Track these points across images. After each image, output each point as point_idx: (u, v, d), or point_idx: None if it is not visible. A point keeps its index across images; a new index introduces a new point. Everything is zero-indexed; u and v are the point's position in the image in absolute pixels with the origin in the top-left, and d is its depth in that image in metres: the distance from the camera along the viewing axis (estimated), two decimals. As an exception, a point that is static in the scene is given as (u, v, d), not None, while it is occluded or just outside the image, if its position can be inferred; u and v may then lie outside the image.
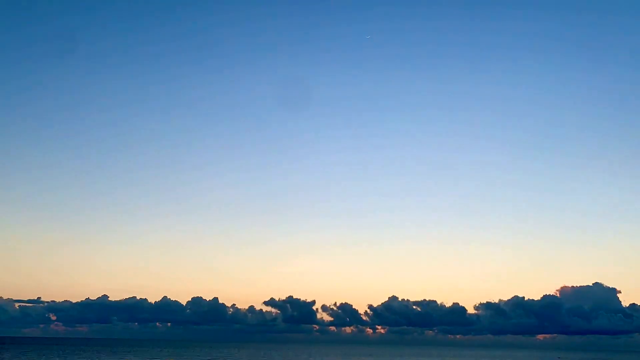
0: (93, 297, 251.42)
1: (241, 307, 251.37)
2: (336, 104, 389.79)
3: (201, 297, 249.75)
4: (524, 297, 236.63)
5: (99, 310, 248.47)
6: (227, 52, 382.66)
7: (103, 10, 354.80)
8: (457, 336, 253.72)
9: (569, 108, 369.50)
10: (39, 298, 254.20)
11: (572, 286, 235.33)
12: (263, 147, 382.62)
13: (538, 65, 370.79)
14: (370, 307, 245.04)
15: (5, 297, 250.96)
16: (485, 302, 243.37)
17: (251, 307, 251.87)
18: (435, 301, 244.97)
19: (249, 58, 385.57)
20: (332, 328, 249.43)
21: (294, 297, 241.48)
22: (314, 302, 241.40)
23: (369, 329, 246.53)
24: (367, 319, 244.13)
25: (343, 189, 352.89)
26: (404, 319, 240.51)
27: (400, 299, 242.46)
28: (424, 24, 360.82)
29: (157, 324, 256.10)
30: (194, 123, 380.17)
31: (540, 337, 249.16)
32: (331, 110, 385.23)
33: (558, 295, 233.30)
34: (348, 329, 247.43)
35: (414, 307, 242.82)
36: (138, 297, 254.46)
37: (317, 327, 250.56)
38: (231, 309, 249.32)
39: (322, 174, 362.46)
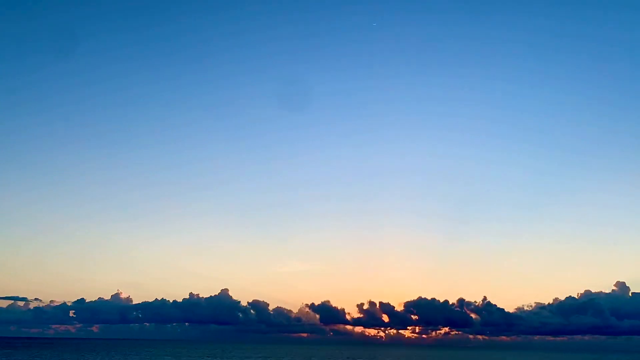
0: (108, 297, 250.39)
1: (264, 308, 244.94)
2: (337, 105, 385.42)
3: (222, 298, 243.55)
4: (566, 297, 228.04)
5: (118, 310, 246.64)
6: (227, 51, 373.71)
7: (103, 9, 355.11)
8: (499, 337, 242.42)
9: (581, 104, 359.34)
10: (52, 299, 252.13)
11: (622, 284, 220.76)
12: (274, 145, 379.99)
13: (538, 68, 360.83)
14: (396, 307, 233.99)
15: (22, 297, 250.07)
16: (523, 304, 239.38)
17: (275, 308, 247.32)
18: (469, 302, 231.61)
19: (248, 57, 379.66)
20: (350, 327, 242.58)
21: (314, 298, 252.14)
22: (337, 303, 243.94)
23: (392, 330, 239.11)
24: (394, 319, 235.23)
25: (350, 190, 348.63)
26: (442, 320, 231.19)
27: (432, 299, 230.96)
28: (424, 22, 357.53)
29: (177, 323, 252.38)
30: (205, 122, 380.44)
31: (579, 337, 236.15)
32: (334, 109, 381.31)
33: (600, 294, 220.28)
34: (373, 330, 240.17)
35: (450, 306, 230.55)
36: (159, 297, 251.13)
37: (342, 327, 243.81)
38: (253, 310, 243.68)
39: (327, 174, 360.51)
